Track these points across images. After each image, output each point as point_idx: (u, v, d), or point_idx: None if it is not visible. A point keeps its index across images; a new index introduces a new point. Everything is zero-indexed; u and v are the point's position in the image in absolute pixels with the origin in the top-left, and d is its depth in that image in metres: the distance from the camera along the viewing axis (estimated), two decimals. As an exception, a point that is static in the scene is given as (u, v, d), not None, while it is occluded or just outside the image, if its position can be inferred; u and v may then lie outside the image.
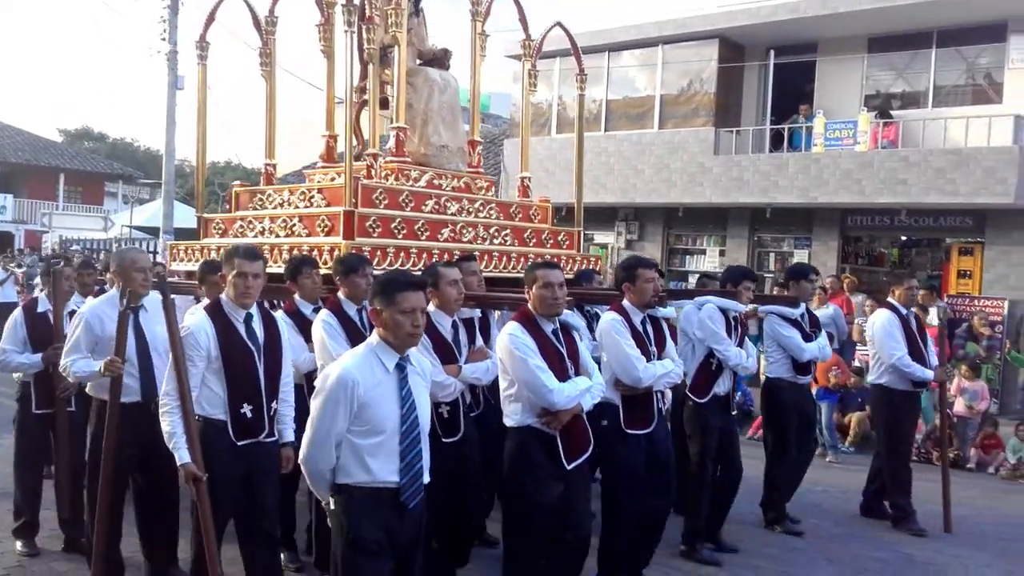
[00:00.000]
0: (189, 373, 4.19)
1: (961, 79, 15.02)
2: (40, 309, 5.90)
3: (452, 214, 6.53)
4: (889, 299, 7.26)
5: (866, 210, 15.14)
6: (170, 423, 4.16)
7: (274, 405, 4.45)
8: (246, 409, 4.32)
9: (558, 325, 4.58)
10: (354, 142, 6.32)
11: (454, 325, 5.01)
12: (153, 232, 21.56)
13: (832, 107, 15.55)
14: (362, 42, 6.43)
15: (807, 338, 6.74)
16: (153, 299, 4.92)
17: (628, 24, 16.85)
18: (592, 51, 15.34)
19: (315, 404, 3.44)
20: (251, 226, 6.45)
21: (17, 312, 5.93)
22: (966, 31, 14.53)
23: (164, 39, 16.08)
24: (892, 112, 15.10)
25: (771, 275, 16.00)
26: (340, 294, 5.10)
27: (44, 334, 5.75)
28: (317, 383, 3.49)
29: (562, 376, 4.42)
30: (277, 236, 6.19)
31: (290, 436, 4.50)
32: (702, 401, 6.04)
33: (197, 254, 6.64)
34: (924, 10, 14.08)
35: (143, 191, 41.41)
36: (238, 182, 7.11)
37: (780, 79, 15.92)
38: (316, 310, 5.33)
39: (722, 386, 6.08)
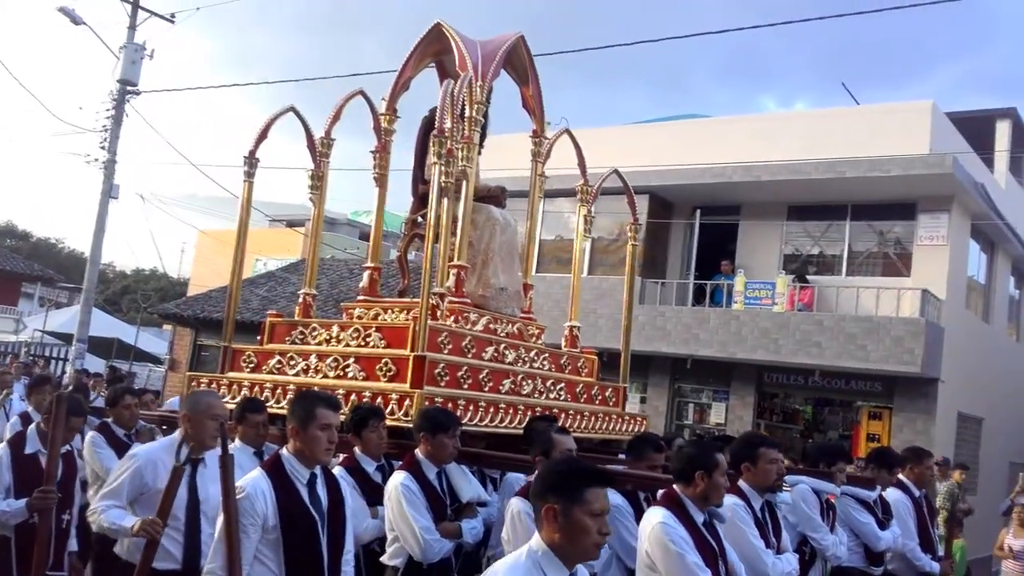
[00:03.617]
0: (241, 546, 3.51)
1: (874, 250, 15.91)
2: (29, 450, 5.03)
3: (510, 363, 5.96)
4: (901, 476, 6.52)
5: (782, 368, 15.63)
6: None
7: None
8: None
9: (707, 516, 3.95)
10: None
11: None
12: (66, 339, 20.99)
13: (752, 267, 16.26)
14: (419, 174, 6.27)
15: (881, 525, 6.02)
16: (213, 455, 4.27)
17: (565, 172, 17.51)
18: (525, 194, 15.84)
19: None
20: (292, 363, 5.73)
21: (2, 450, 5.03)
22: (879, 207, 15.54)
23: (103, 147, 16.12)
24: (808, 277, 15.86)
25: (689, 425, 16.29)
26: (420, 454, 4.57)
27: (32, 477, 4.77)
28: None
29: None
30: (326, 377, 5.50)
31: None
32: None
33: (223, 388, 5.85)
34: (839, 185, 15.03)
35: (61, 294, 40.44)
36: (273, 311, 6.64)
37: (705, 237, 16.66)
38: (379, 468, 4.89)
39: None
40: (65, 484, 4.74)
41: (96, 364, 20.40)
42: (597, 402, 6.63)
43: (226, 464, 3.56)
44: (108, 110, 16.25)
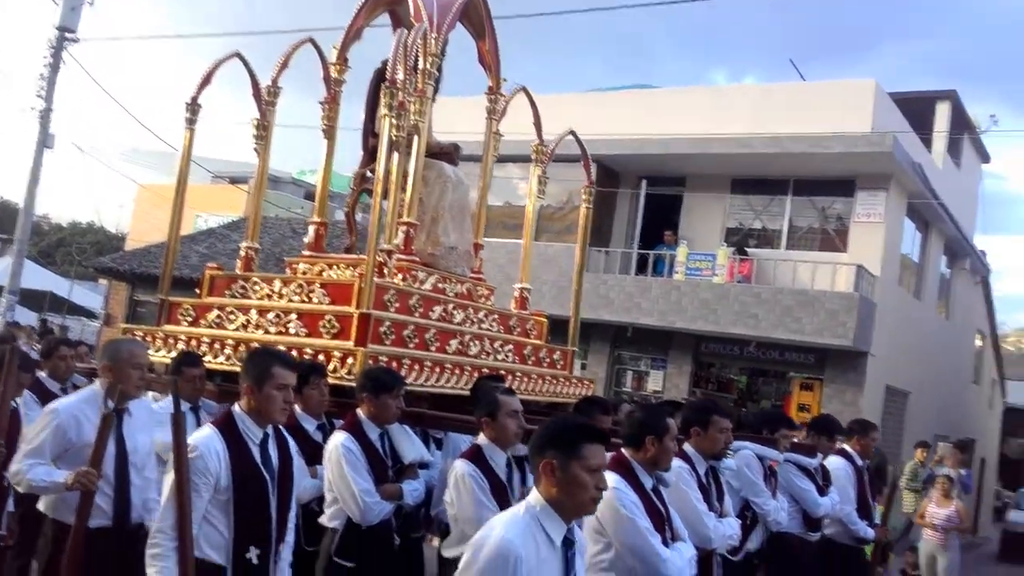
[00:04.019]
0: (192, 505, 3.35)
1: (813, 225, 16.18)
2: None
3: (458, 323, 5.85)
4: (846, 446, 6.73)
5: (719, 339, 15.86)
6: (161, 571, 3.29)
7: (282, 548, 3.64)
8: (252, 554, 3.48)
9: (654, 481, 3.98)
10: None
11: (508, 463, 4.29)
12: None
13: (695, 238, 16.42)
14: (370, 127, 6.06)
15: (820, 492, 6.11)
16: (139, 404, 4.24)
17: (516, 138, 17.42)
18: (477, 158, 15.74)
19: None
20: (232, 317, 5.52)
21: None
22: (819, 183, 15.79)
23: (40, 96, 15.53)
24: (748, 249, 16.08)
25: (627, 392, 16.46)
26: (361, 414, 4.47)
27: None
28: (466, 552, 2.70)
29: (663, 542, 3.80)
30: (267, 332, 5.30)
31: None
32: (735, 560, 5.23)
33: (159, 342, 5.64)
34: (782, 160, 15.23)
35: None
36: (213, 264, 6.38)
37: (649, 207, 16.75)
38: (320, 427, 4.79)
39: (754, 542, 5.52)
40: (9, 442, 4.51)
41: (28, 317, 19.82)
42: (545, 365, 6.58)
43: (178, 421, 3.41)
44: (45, 58, 15.65)
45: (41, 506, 4.16)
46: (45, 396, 5.40)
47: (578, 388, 6.70)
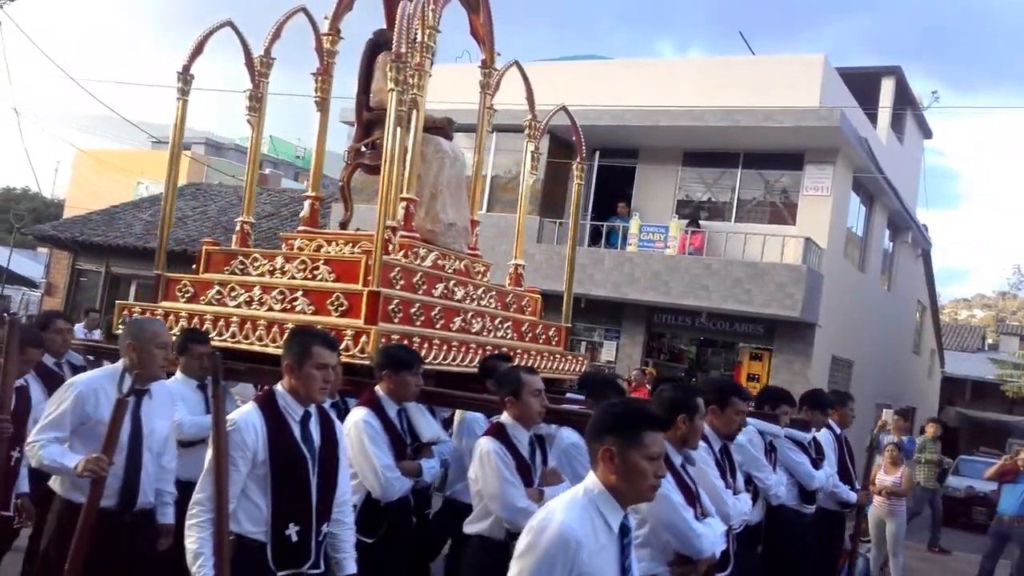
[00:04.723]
0: (229, 479, 3.35)
1: (761, 198, 16.46)
2: None
3: (458, 300, 5.85)
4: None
5: (671, 309, 16.07)
6: (198, 540, 3.31)
7: (324, 528, 3.63)
8: (292, 531, 3.48)
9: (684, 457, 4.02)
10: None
11: (531, 442, 4.34)
12: None
13: (647, 210, 16.56)
14: (364, 100, 6.03)
15: (815, 465, 6.28)
16: (159, 386, 4.18)
17: (466, 107, 17.30)
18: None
19: (522, 565, 2.65)
20: (233, 293, 5.44)
21: None
22: (768, 156, 16.02)
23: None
24: (700, 222, 16.29)
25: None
26: (381, 391, 4.50)
27: None
28: (525, 536, 2.66)
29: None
30: (272, 309, 5.23)
31: (351, 568, 3.71)
32: (737, 532, 5.23)
33: (159, 319, 5.24)
34: (732, 133, 15.40)
35: None
36: (208, 239, 6.22)
37: (602, 179, 16.82)
38: (334, 405, 4.76)
39: (755, 516, 5.57)
40: (17, 419, 4.35)
41: (-38, 287, 19.14)
42: (541, 341, 6.62)
43: (217, 395, 3.37)
44: (-22, 14, 14.99)
45: (52, 483, 4.08)
46: (42, 370, 5.24)
47: (573, 364, 6.74)
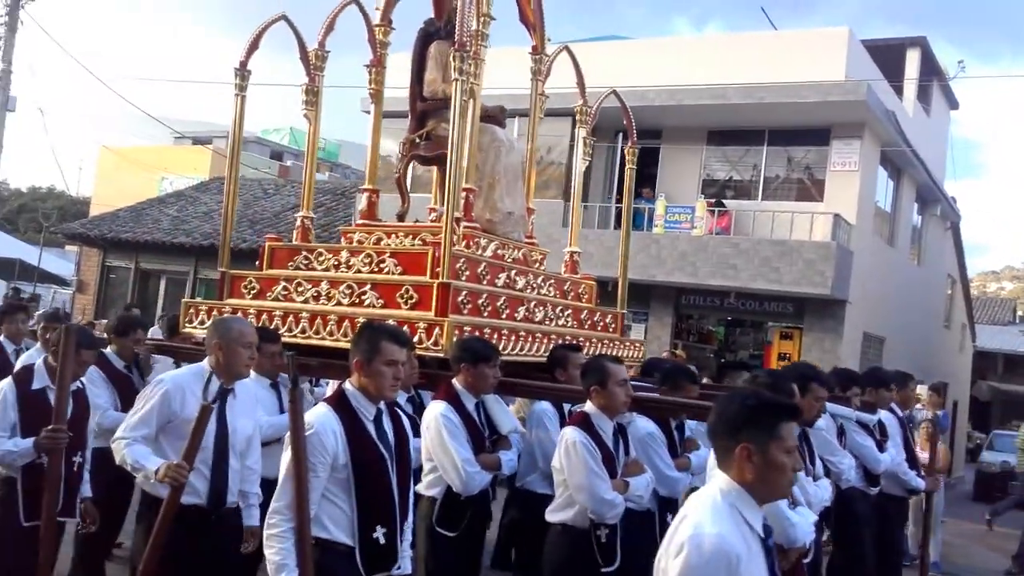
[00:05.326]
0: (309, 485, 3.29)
1: (788, 176, 16.33)
2: (36, 385, 4.56)
3: (520, 289, 5.79)
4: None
5: (699, 290, 15.98)
6: (280, 552, 3.23)
7: (406, 527, 3.60)
8: (379, 533, 3.40)
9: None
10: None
11: (614, 432, 4.33)
12: None
13: (672, 191, 16.46)
14: (418, 90, 5.98)
15: (880, 447, 6.19)
16: (243, 385, 4.15)
17: (488, 94, 17.21)
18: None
19: None
20: (300, 289, 5.41)
21: (6, 386, 4.53)
22: (794, 133, 15.88)
23: (-2, 57, 14.88)
24: (725, 201, 16.18)
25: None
26: (458, 384, 4.49)
27: (40, 415, 4.35)
28: (677, 555, 2.44)
29: None
30: (340, 304, 5.19)
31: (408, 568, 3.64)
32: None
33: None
34: (757, 110, 15.26)
35: None
36: (272, 234, 6.15)
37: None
38: (409, 400, 4.78)
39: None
40: (76, 424, 4.36)
41: (-3, 286, 19.25)
42: (599, 328, 6.57)
43: (295, 399, 3.32)
44: (1, 16, 14.96)
45: (140, 482, 4.05)
46: (113, 374, 5.25)
47: (631, 351, 6.69)
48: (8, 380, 4.58)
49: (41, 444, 4.21)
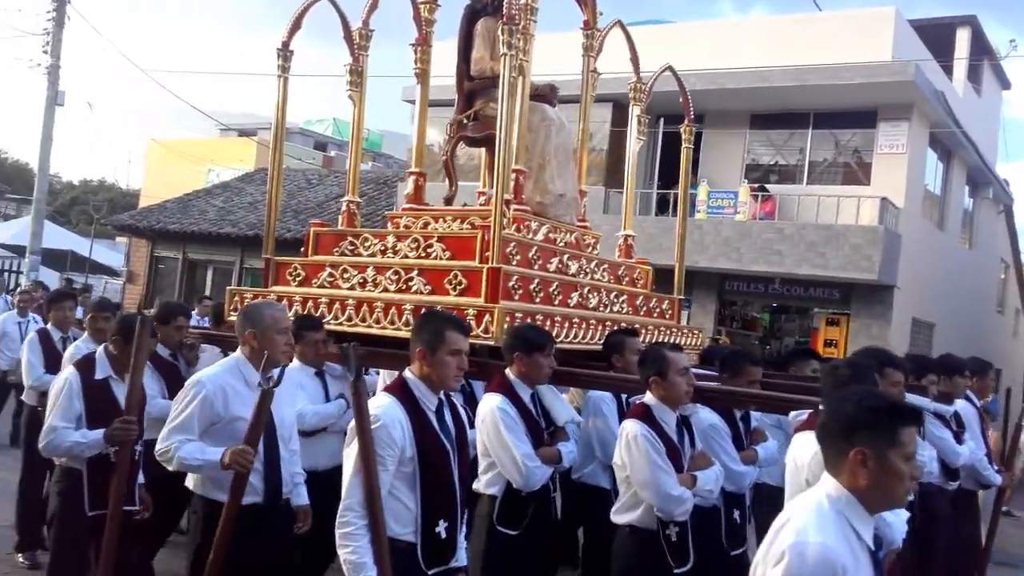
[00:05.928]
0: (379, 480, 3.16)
1: (834, 159, 15.98)
2: (99, 375, 4.43)
3: (572, 275, 5.55)
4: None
5: (742, 276, 15.71)
6: (356, 550, 3.09)
7: (463, 521, 3.49)
8: (441, 528, 3.29)
9: None
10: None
11: (678, 424, 4.11)
12: (18, 251, 20.03)
13: (715, 177, 16.16)
14: (464, 70, 5.80)
15: (957, 439, 5.82)
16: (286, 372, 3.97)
17: (533, 79, 17.02)
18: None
19: None
20: (346, 275, 5.22)
21: (71, 376, 4.39)
22: (839, 115, 15.52)
23: (46, 51, 14.91)
24: (769, 186, 15.87)
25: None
26: (512, 374, 4.30)
27: (103, 405, 4.32)
28: (777, 563, 2.28)
29: None
30: (387, 290, 5.02)
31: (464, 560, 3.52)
32: None
33: None
34: (801, 92, 14.94)
35: (9, 206, 38.83)
36: (317, 220, 6.00)
37: (667, 146, 16.43)
38: (459, 390, 4.48)
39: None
40: (136, 413, 4.30)
41: (51, 277, 19.49)
42: (655, 315, 6.37)
43: (359, 390, 3.15)
44: (49, 12, 15.02)
45: (189, 483, 3.94)
46: (160, 365, 5.16)
47: (690, 338, 6.47)
48: (71, 369, 4.46)
49: (113, 435, 4.10)
